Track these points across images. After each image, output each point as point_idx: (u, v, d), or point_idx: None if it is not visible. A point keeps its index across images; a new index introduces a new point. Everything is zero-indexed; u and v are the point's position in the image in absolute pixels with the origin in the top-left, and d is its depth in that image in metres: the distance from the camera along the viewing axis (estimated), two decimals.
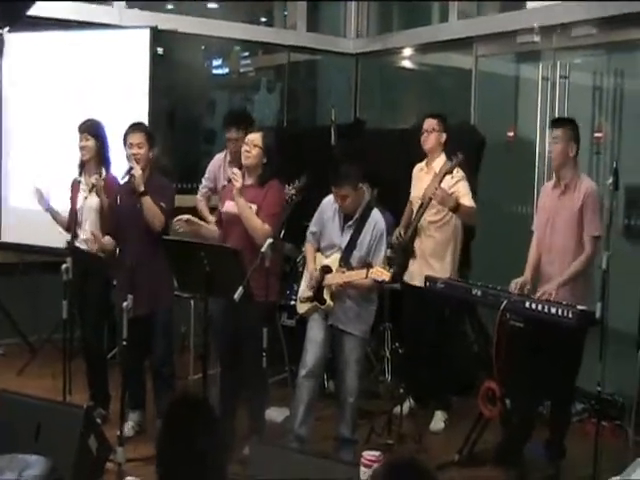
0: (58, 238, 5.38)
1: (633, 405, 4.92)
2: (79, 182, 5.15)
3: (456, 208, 5.12)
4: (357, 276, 4.43)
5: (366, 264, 4.41)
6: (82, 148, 5.10)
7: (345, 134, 6.94)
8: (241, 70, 8.89)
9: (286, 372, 5.76)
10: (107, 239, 4.95)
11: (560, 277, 4.51)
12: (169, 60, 6.93)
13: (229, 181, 4.61)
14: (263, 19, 8.57)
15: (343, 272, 4.49)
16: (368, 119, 7.94)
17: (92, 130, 5.11)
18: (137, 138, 4.82)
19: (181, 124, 8.06)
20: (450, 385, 5.63)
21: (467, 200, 5.20)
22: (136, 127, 4.92)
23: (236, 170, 4.57)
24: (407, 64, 8.16)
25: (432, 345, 5.42)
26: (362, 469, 3.53)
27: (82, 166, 5.14)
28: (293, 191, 5.52)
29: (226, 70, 8.89)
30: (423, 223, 5.33)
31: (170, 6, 7.74)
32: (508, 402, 4.48)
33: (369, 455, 3.42)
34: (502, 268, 5.82)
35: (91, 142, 5.08)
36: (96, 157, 5.10)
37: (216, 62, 8.78)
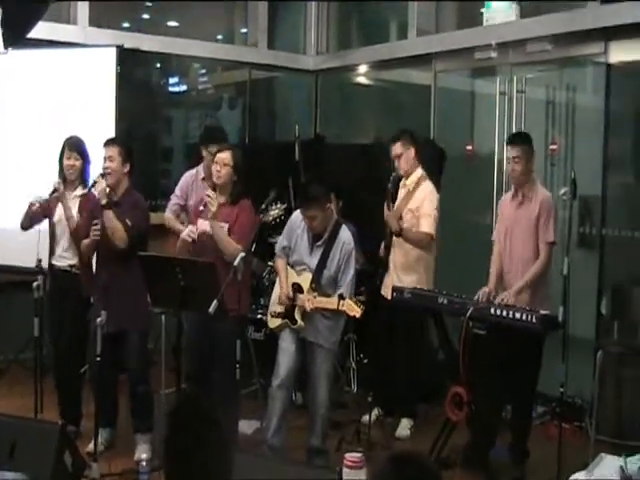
0: (24, 257, 5.38)
1: (593, 404, 5.09)
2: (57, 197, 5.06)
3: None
4: (328, 304, 4.50)
5: (339, 295, 4.46)
6: (70, 167, 5.06)
7: (307, 149, 7.04)
8: (200, 87, 8.94)
9: (255, 385, 5.83)
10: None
11: (518, 283, 4.67)
12: (126, 78, 6.92)
13: (205, 205, 4.67)
14: (219, 37, 8.63)
15: (315, 296, 4.55)
16: (328, 134, 8.08)
17: (80, 149, 5.08)
18: (109, 151, 4.82)
19: (138, 142, 8.06)
20: (416, 393, 5.75)
21: (424, 223, 5.30)
22: (110, 141, 4.94)
23: (211, 192, 4.66)
24: (367, 80, 8.29)
25: (401, 356, 5.53)
26: (345, 470, 3.59)
27: (63, 181, 5.05)
28: (274, 213, 5.55)
29: (184, 87, 8.92)
30: (394, 238, 5.44)
31: (126, 24, 7.78)
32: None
33: (351, 457, 3.50)
34: (463, 277, 5.98)
35: (79, 162, 5.07)
36: (79, 175, 5.10)
37: (174, 80, 8.80)
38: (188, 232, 4.78)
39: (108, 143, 4.90)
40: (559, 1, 5.99)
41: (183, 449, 2.11)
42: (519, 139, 4.91)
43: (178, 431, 2.16)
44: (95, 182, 4.75)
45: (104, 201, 4.69)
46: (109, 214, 4.67)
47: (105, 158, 4.82)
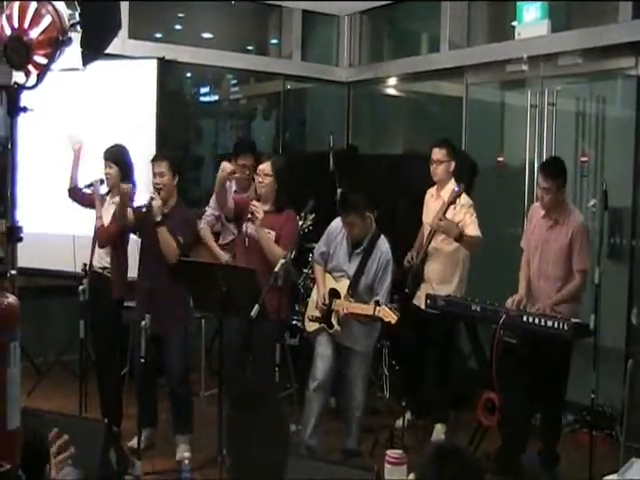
0: (64, 262, 5.54)
1: (623, 411, 5.16)
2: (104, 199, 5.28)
3: (459, 237, 5.32)
4: (364, 310, 4.61)
5: (375, 301, 4.57)
6: (106, 175, 5.23)
7: (340, 160, 7.16)
8: (232, 97, 9.09)
9: (290, 388, 5.95)
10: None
11: (552, 299, 4.75)
12: (161, 88, 7.04)
13: (252, 213, 4.81)
14: (249, 47, 8.76)
15: (351, 302, 4.68)
16: (360, 145, 8.20)
17: (115, 157, 5.22)
18: (159, 167, 4.94)
19: (172, 150, 8.18)
20: (447, 399, 5.84)
21: (471, 229, 5.35)
22: (158, 156, 5.07)
23: (256, 202, 4.82)
24: (398, 92, 8.40)
25: (432, 363, 5.63)
26: (387, 467, 3.68)
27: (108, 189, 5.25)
28: (308, 222, 5.69)
29: (216, 97, 9.07)
30: (431, 249, 5.53)
31: (159, 35, 7.93)
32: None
33: (393, 453, 3.60)
34: (494, 286, 6.06)
35: (114, 169, 5.20)
36: (117, 183, 5.18)
37: (206, 89, 8.95)
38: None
39: (157, 159, 5.01)
40: (590, 18, 6.08)
41: (248, 433, 2.20)
42: (552, 170, 4.81)
43: (244, 415, 2.24)
44: (152, 198, 4.84)
45: (159, 218, 4.80)
46: (163, 232, 4.80)
47: (155, 174, 4.94)
